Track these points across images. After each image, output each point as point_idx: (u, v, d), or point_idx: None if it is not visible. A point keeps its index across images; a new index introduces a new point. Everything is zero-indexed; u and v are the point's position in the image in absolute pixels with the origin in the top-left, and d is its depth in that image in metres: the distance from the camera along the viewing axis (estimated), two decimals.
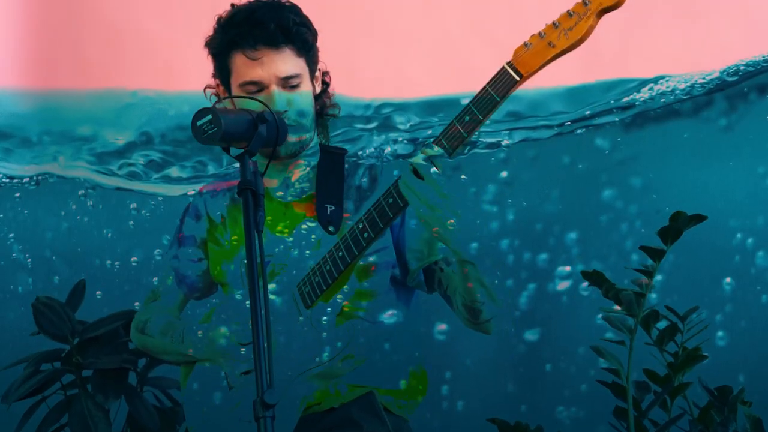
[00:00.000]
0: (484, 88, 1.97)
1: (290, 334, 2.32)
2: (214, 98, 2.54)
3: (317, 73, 2.38)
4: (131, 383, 2.74)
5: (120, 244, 3.12)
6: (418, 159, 2.04)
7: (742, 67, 2.98)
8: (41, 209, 3.08)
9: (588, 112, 2.94)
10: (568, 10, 1.91)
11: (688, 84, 2.98)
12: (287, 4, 2.32)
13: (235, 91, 2.31)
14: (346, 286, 2.28)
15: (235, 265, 2.44)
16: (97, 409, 2.62)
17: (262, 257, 1.80)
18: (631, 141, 3.02)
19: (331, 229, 2.26)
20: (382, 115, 2.34)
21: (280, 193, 2.47)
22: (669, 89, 2.97)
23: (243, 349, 2.29)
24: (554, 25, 1.93)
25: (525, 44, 1.95)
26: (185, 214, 2.53)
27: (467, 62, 3.12)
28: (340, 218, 2.30)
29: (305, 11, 2.38)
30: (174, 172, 2.72)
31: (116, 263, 3.10)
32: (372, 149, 2.35)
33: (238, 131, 1.95)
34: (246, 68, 2.28)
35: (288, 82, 2.28)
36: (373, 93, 3.23)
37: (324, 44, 2.39)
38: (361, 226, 2.14)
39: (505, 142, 2.80)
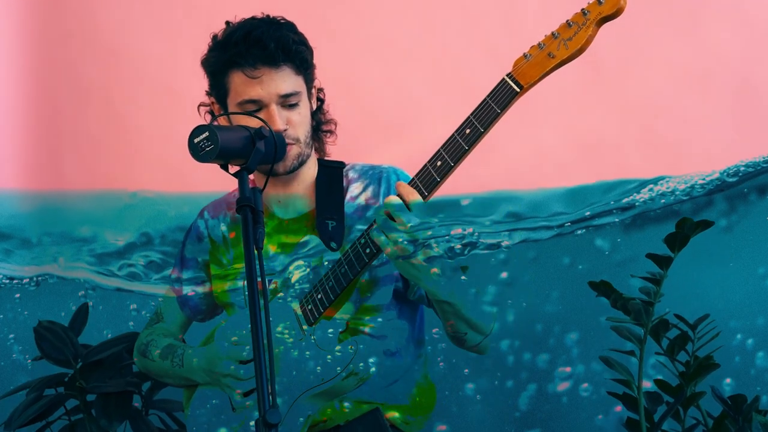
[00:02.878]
0: (485, 100, 2.04)
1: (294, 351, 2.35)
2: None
3: (313, 90, 2.45)
4: (136, 406, 2.77)
5: None
6: (392, 200, 2.11)
7: (742, 168, 3.03)
8: (41, 310, 3.09)
9: (588, 213, 2.97)
10: (568, 20, 1.99)
11: (688, 184, 3.01)
12: (283, 21, 2.39)
13: (232, 109, 2.36)
14: (349, 302, 2.32)
15: (238, 285, 2.49)
16: None
17: (262, 274, 1.84)
18: (631, 242, 3.04)
19: (333, 245, 2.31)
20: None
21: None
22: (669, 190, 2.99)
23: (242, 371, 2.31)
24: (553, 36, 2.00)
25: (525, 55, 2.02)
26: (187, 236, 2.59)
27: (467, 80, 3.19)
28: (341, 234, 2.34)
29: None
30: (174, 272, 2.80)
31: None
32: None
33: (235, 148, 1.99)
34: (245, 87, 2.34)
35: (287, 100, 2.35)
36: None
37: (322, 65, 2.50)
38: (363, 242, 2.19)
39: (505, 243, 2.82)
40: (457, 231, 2.63)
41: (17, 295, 3.22)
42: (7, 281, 3.25)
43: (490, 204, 2.73)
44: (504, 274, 2.84)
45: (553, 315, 2.92)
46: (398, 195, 2.14)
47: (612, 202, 3.04)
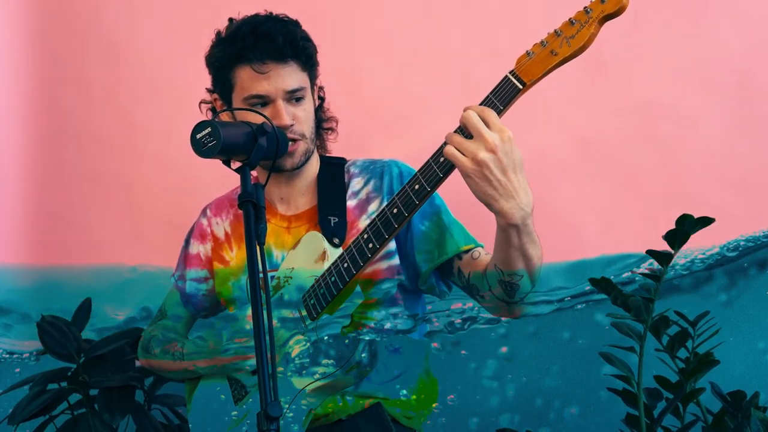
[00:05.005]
0: (488, 97, 2.08)
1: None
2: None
3: (315, 88, 2.52)
4: (138, 401, 2.79)
5: None
6: (469, 115, 2.02)
7: (742, 243, 3.08)
8: None
9: (588, 288, 2.98)
10: (570, 18, 2.03)
11: (688, 259, 3.06)
12: (287, 19, 2.46)
13: (237, 105, 2.41)
14: (351, 296, 2.33)
15: (241, 282, 2.53)
16: (104, 428, 2.66)
17: (264, 270, 1.88)
18: None
19: (335, 241, 2.35)
20: (382, 290, 2.48)
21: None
22: (669, 264, 3.06)
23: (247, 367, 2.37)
24: (556, 33, 2.04)
25: (527, 53, 2.07)
26: (191, 234, 2.65)
27: (469, 77, 3.24)
28: (344, 230, 2.38)
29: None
30: (174, 346, 2.84)
31: None
32: (372, 324, 2.48)
33: (237, 143, 2.05)
34: (251, 82, 2.39)
35: (293, 96, 2.41)
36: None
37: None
38: (366, 237, 2.21)
39: (504, 318, 2.85)
40: (457, 305, 2.68)
41: (17, 370, 3.22)
42: (7, 356, 3.27)
43: None
44: (504, 349, 2.87)
45: (553, 389, 2.92)
46: (472, 112, 2.06)
47: (612, 277, 3.00)
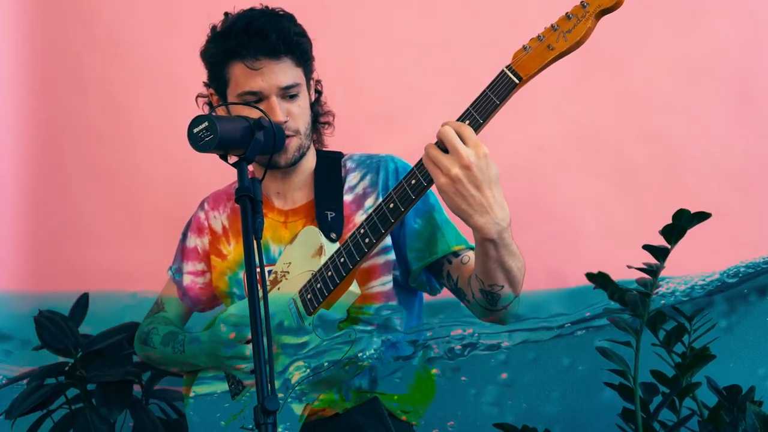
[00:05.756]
0: (484, 91, 2.08)
1: None
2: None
3: (311, 82, 2.51)
4: (136, 396, 2.82)
5: None
6: (446, 130, 2.02)
7: (742, 269, 3.07)
8: None
9: (588, 314, 2.98)
10: (567, 13, 2.04)
11: (688, 285, 3.03)
12: (282, 13, 2.46)
13: (232, 101, 2.41)
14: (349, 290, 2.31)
15: (239, 276, 2.53)
16: (102, 423, 2.68)
17: (261, 264, 1.88)
18: None
19: (332, 236, 2.35)
20: (381, 317, 2.49)
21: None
22: (669, 291, 3.00)
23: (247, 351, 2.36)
24: (553, 28, 2.05)
25: (524, 47, 2.07)
26: (188, 227, 2.65)
27: (466, 71, 3.23)
28: (341, 224, 2.39)
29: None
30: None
31: None
32: (372, 350, 2.49)
33: (234, 138, 2.06)
34: (246, 78, 2.39)
35: (287, 92, 2.41)
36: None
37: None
38: (362, 232, 2.21)
39: (505, 344, 2.85)
40: (457, 332, 2.70)
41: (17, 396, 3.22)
42: (7, 382, 3.23)
43: None
44: (504, 375, 2.90)
45: (553, 416, 2.92)
46: (449, 128, 2.06)
47: (612, 303, 3.10)
